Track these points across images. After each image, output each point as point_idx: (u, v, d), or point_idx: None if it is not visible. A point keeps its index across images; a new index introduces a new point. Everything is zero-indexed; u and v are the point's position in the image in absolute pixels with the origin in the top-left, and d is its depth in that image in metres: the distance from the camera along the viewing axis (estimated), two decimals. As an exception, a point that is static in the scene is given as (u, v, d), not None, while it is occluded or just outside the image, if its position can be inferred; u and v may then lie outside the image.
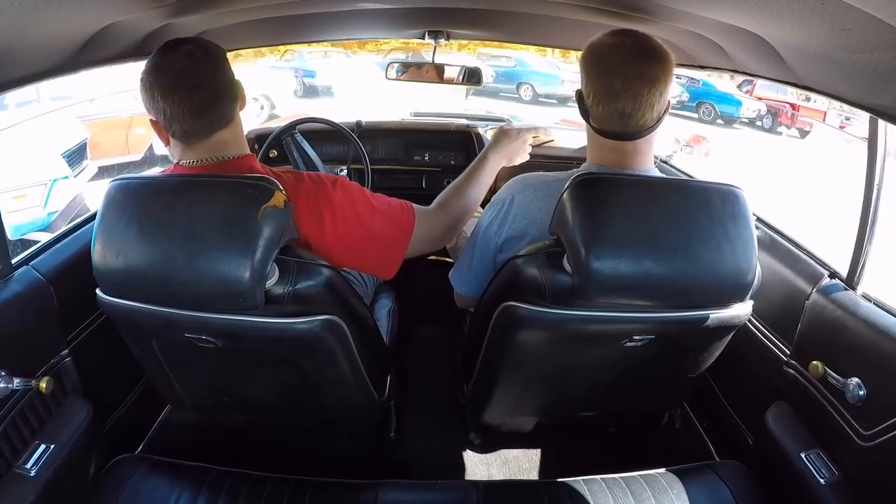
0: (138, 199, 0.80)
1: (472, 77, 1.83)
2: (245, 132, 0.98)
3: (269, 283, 0.79)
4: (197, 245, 0.76)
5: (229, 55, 1.73)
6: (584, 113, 0.90)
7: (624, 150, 0.88)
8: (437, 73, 1.80)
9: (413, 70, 1.83)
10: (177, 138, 0.87)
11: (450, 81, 1.84)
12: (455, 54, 9.53)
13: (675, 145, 1.98)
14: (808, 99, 10.29)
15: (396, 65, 1.87)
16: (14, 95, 3.83)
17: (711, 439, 1.29)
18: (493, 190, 1.71)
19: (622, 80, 0.83)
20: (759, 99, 11.40)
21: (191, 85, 0.83)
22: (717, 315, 0.86)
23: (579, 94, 0.90)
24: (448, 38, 1.70)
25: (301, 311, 0.83)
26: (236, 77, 0.90)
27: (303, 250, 0.86)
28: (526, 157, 1.20)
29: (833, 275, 1.03)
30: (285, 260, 0.81)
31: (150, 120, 0.88)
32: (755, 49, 0.90)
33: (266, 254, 0.76)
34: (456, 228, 1.07)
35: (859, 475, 0.87)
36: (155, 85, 0.83)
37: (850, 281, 0.98)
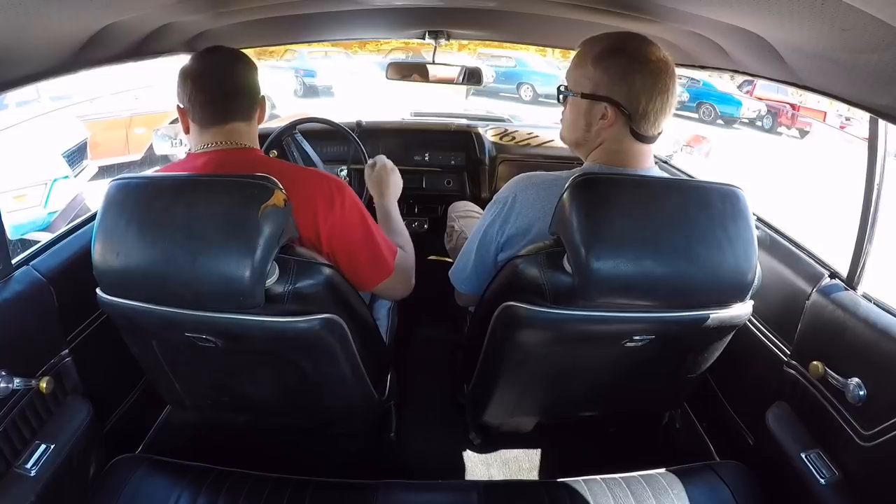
0: (138, 199, 0.81)
1: (472, 77, 1.83)
2: None
3: (270, 281, 0.79)
4: (197, 244, 0.76)
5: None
6: (627, 119, 0.87)
7: (643, 151, 0.91)
8: (437, 73, 1.80)
9: (413, 70, 1.83)
10: (196, 122, 0.95)
11: (450, 81, 1.84)
12: (455, 54, 9.53)
13: (675, 145, 1.98)
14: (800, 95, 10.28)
15: (397, 65, 1.87)
16: (14, 95, 3.83)
17: (711, 439, 1.29)
18: (494, 189, 1.71)
19: (661, 99, 0.86)
20: (759, 99, 11.40)
21: (217, 75, 0.94)
22: (717, 315, 0.86)
23: (615, 102, 0.87)
24: (448, 38, 1.70)
25: (301, 310, 0.83)
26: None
27: (303, 249, 0.86)
28: (397, 181, 1.32)
29: (833, 275, 1.03)
30: (285, 259, 0.81)
31: (178, 107, 0.97)
32: (755, 49, 0.90)
33: (266, 252, 0.76)
34: (411, 269, 1.12)
35: (859, 475, 0.87)
36: (188, 72, 0.94)
37: (851, 281, 0.98)
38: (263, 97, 1.00)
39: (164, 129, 1.91)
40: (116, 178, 0.84)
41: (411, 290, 1.11)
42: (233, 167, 0.92)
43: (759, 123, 11.33)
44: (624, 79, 0.86)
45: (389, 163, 1.35)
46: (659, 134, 0.90)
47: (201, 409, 1.15)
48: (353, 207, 0.95)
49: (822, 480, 0.90)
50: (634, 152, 0.90)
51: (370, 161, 1.38)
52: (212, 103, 0.93)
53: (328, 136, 1.81)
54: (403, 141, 2.00)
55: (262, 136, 1.83)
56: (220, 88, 0.93)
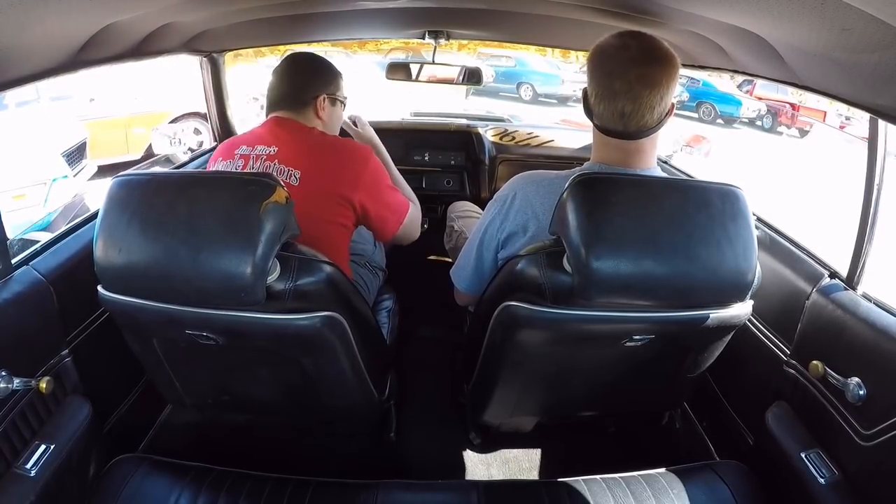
0: (141, 196, 0.81)
1: (472, 77, 1.83)
2: None
3: (271, 278, 0.79)
4: (199, 240, 0.76)
5: (229, 55, 1.74)
6: (588, 111, 0.91)
7: (627, 148, 0.89)
8: (437, 73, 1.80)
9: (413, 70, 1.83)
10: (268, 102, 1.18)
11: (450, 81, 1.84)
12: (455, 54, 9.52)
13: (675, 145, 1.98)
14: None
15: (396, 65, 1.87)
16: (14, 95, 3.83)
17: (711, 439, 1.29)
18: (494, 189, 1.71)
19: (622, 81, 0.84)
20: (759, 99, 11.41)
21: (287, 74, 1.17)
22: (716, 315, 0.86)
23: (584, 93, 0.92)
24: (448, 38, 1.70)
25: (302, 307, 0.83)
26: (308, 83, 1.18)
27: (304, 247, 0.86)
28: (368, 133, 1.45)
29: (833, 275, 1.03)
30: (287, 256, 0.82)
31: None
32: (755, 49, 0.90)
33: (267, 249, 0.76)
34: (419, 217, 1.30)
35: (859, 475, 0.87)
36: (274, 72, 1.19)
37: (850, 281, 0.98)
38: (323, 98, 1.16)
39: (164, 128, 1.91)
40: (119, 174, 0.84)
41: (418, 235, 1.31)
42: (283, 130, 1.11)
43: (758, 123, 11.34)
44: (590, 70, 0.89)
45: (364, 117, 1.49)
46: (625, 130, 0.86)
47: (201, 409, 1.15)
48: (379, 168, 1.15)
49: (822, 480, 0.90)
50: (619, 148, 0.89)
51: (350, 119, 1.44)
52: (279, 89, 1.17)
53: None
54: (403, 141, 2.00)
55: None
56: (286, 82, 1.16)
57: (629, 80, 0.83)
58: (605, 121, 0.88)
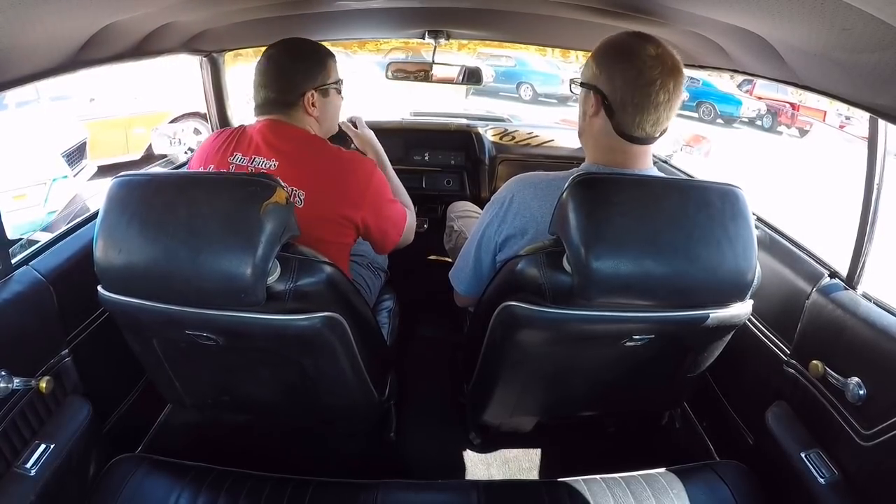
0: (141, 196, 0.81)
1: (472, 77, 1.83)
2: None
3: (271, 279, 0.79)
4: (199, 241, 0.77)
5: (229, 55, 1.74)
6: (610, 112, 0.88)
7: (633, 151, 0.89)
8: (437, 72, 1.80)
9: (413, 70, 1.83)
10: (255, 103, 1.11)
11: (450, 81, 1.84)
12: (455, 54, 9.52)
13: (675, 145, 1.98)
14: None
15: (396, 64, 1.87)
16: (14, 95, 3.83)
17: (711, 439, 1.29)
18: (494, 189, 1.72)
19: (664, 92, 0.84)
20: (759, 98, 11.41)
21: (267, 75, 1.09)
22: (716, 315, 0.86)
23: (600, 96, 0.88)
24: (448, 38, 1.71)
25: (302, 307, 0.83)
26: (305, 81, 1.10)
27: (305, 247, 0.86)
28: (367, 134, 1.42)
29: (833, 274, 1.03)
30: (287, 257, 0.82)
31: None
32: (755, 49, 0.90)
33: (267, 250, 0.76)
34: (414, 224, 1.29)
35: (859, 475, 0.87)
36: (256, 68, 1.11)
37: (850, 280, 0.99)
38: (312, 94, 1.09)
39: (163, 128, 1.91)
40: (119, 175, 0.84)
41: (412, 239, 1.29)
42: (280, 140, 1.06)
43: (758, 123, 11.34)
44: (611, 70, 0.86)
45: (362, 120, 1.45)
46: (647, 137, 0.87)
47: (201, 409, 1.15)
48: (383, 182, 1.13)
49: (822, 480, 0.90)
50: (626, 152, 0.89)
51: (349, 120, 1.42)
52: (264, 90, 1.10)
53: None
54: (403, 141, 2.00)
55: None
56: (270, 84, 1.09)
57: (668, 90, 0.84)
58: (629, 127, 0.86)
